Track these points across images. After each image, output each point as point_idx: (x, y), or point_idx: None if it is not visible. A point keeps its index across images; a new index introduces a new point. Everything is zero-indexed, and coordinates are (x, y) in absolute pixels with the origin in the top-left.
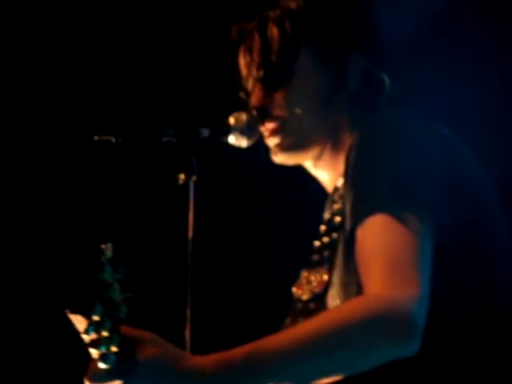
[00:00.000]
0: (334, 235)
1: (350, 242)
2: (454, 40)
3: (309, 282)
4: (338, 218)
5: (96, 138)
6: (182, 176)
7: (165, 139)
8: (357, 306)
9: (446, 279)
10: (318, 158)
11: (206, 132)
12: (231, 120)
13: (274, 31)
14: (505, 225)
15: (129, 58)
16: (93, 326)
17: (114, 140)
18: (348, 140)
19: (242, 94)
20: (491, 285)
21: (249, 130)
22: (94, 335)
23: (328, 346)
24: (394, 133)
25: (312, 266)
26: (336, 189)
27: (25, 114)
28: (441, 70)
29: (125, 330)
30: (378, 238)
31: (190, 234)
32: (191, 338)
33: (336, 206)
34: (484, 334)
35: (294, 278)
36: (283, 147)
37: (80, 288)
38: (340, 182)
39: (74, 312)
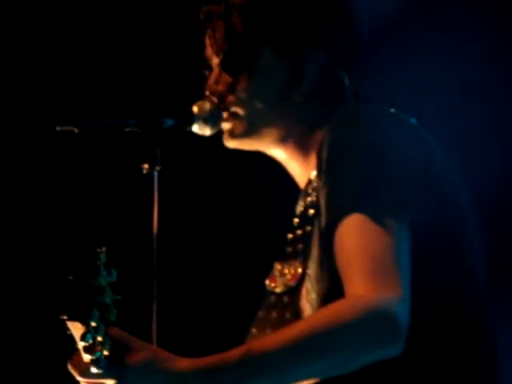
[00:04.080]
0: (308, 228)
1: (325, 238)
2: (437, 26)
3: (282, 274)
4: (311, 211)
5: (58, 128)
6: (146, 166)
7: (128, 129)
8: (343, 308)
9: (419, 278)
10: (276, 147)
11: (169, 121)
12: (194, 109)
13: (237, 20)
14: (476, 226)
15: (91, 48)
16: (91, 333)
17: (76, 130)
18: (315, 134)
19: (206, 72)
20: (463, 284)
21: (212, 118)
22: (90, 341)
23: (318, 348)
24: (367, 128)
25: (285, 259)
26: (309, 181)
27: None
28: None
29: (114, 332)
30: (357, 238)
31: (155, 225)
32: (158, 332)
33: (309, 199)
34: (456, 333)
35: (266, 270)
36: (232, 134)
37: (76, 294)
38: (313, 174)
39: (72, 319)
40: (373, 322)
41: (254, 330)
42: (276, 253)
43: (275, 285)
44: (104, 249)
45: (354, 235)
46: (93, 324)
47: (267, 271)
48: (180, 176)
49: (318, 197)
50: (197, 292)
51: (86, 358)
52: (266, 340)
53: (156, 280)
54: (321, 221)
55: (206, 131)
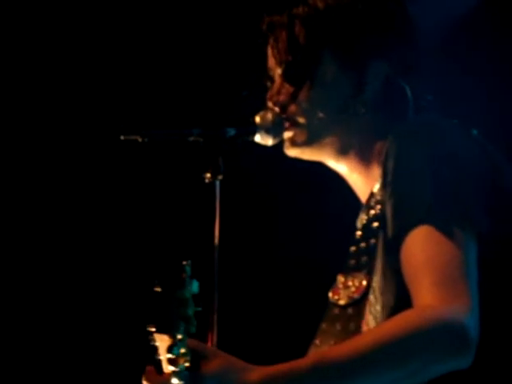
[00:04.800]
0: (372, 241)
1: (391, 250)
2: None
3: (346, 286)
4: (375, 224)
5: (122, 137)
6: (208, 175)
7: (191, 139)
8: (411, 319)
9: (486, 288)
10: (338, 158)
11: (232, 131)
12: (257, 119)
13: (300, 30)
14: None
15: (156, 59)
16: (177, 345)
17: (140, 139)
18: (377, 145)
19: (268, 83)
20: None
21: (274, 128)
22: (176, 353)
23: (387, 359)
24: (434, 140)
25: (349, 271)
26: (372, 194)
27: (51, 116)
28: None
29: (189, 342)
30: (425, 249)
31: (217, 234)
32: (218, 344)
33: (373, 212)
34: None
35: (327, 282)
36: (294, 142)
37: (164, 306)
38: (376, 187)
39: (161, 331)
40: (442, 332)
41: (317, 342)
42: (337, 265)
43: (339, 297)
44: (189, 261)
45: (422, 246)
46: (179, 336)
47: (327, 283)
48: (242, 186)
49: (382, 209)
50: (258, 303)
51: (169, 369)
52: (336, 351)
53: (217, 291)
54: (386, 233)
55: (269, 141)
